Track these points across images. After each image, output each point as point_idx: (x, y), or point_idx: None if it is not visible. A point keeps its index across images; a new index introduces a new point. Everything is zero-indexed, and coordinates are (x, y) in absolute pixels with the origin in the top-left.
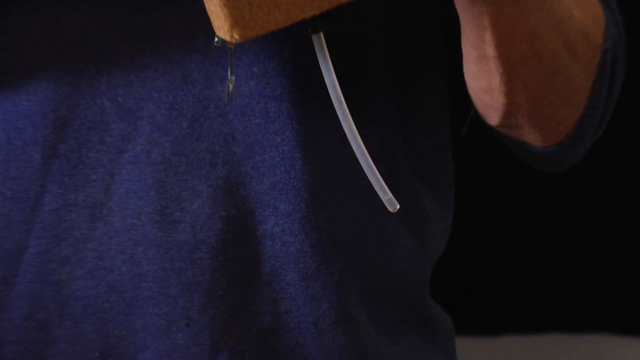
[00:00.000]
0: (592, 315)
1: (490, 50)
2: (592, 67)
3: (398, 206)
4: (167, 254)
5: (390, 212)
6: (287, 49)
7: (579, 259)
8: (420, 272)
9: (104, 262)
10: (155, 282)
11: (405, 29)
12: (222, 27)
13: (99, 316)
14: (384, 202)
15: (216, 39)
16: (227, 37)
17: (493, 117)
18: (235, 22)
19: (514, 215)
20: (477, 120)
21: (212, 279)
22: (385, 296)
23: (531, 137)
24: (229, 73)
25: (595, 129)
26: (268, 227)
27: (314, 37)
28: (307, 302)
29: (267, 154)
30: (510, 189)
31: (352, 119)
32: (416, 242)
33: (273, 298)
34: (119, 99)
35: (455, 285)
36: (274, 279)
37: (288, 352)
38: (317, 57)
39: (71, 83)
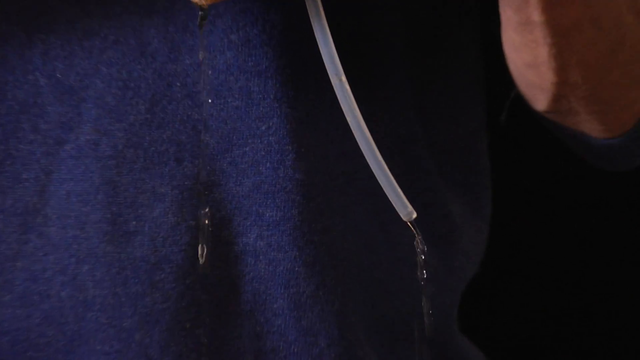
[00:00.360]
0: None
1: (536, 14)
2: None
3: (415, 214)
4: (120, 274)
5: (405, 221)
6: (273, 12)
7: None
8: (447, 300)
9: (37, 285)
10: (104, 312)
11: None
12: None
13: (31, 355)
14: (397, 210)
15: None
16: None
17: (540, 100)
18: None
19: (569, 227)
20: (520, 104)
21: (178, 307)
22: (400, 331)
23: (589, 126)
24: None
25: None
26: (250, 241)
27: None
28: (300, 338)
29: (248, 145)
30: (565, 193)
31: (357, 102)
32: (441, 260)
33: (256, 332)
34: (58, 75)
35: (491, 316)
36: (258, 307)
37: None
38: (311, 21)
39: None
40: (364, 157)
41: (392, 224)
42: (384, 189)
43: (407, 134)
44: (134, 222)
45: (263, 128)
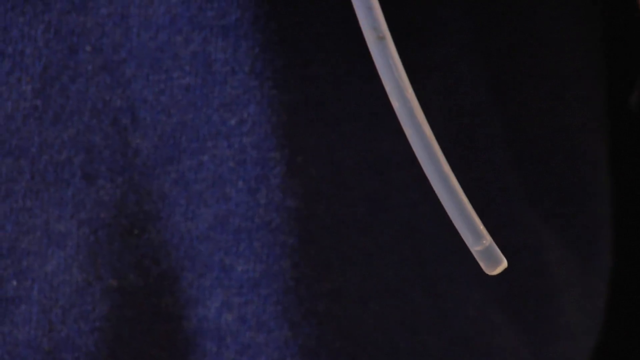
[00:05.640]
0: None
1: None
2: None
3: (505, 263)
4: None
5: (474, 281)
6: None
7: None
8: None
9: None
10: None
11: None
12: None
13: None
14: (475, 256)
15: None
16: None
17: None
18: None
19: None
20: None
21: None
22: None
23: None
24: None
25: None
26: (210, 313)
27: None
28: None
29: (207, 153)
30: None
31: (403, 74)
32: (529, 343)
33: None
34: None
35: None
36: None
37: None
38: None
39: None
40: (400, 172)
41: (446, 281)
42: (454, 220)
43: (477, 115)
44: (13, 283)
45: (232, 122)
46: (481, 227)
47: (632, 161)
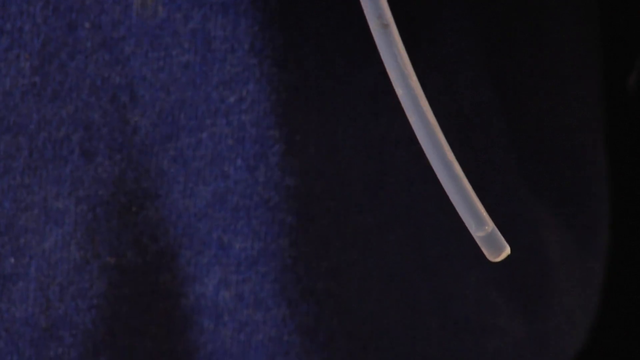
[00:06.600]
0: None
1: None
2: None
3: (508, 250)
4: None
5: (473, 262)
6: None
7: None
8: None
9: None
10: None
11: None
12: None
13: None
14: (478, 242)
15: None
16: None
17: None
18: None
19: None
20: None
21: None
22: None
23: None
24: None
25: None
26: (208, 290)
27: None
28: None
29: (205, 130)
30: None
31: (406, 61)
32: (526, 323)
33: None
34: None
35: None
36: None
37: None
38: None
39: None
40: (399, 150)
41: (445, 262)
42: (457, 207)
43: (477, 115)
44: (11, 260)
45: (231, 100)
46: (484, 213)
47: (630, 148)
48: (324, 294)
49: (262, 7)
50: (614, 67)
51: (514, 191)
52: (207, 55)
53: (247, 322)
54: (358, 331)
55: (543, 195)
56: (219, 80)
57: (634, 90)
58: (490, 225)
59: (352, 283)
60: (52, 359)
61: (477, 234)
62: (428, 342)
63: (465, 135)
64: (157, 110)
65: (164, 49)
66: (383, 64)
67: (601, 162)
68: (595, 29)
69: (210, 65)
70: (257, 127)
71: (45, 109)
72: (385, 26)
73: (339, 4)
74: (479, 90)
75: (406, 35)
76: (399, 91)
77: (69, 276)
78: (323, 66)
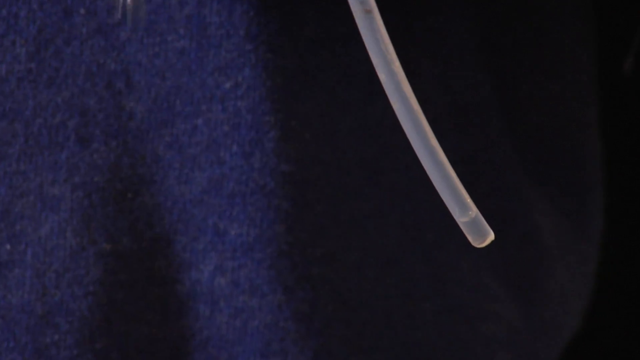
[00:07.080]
0: None
1: None
2: None
3: (492, 236)
4: None
5: (468, 247)
6: None
7: None
8: None
9: None
10: None
11: None
12: None
13: None
14: (462, 227)
15: None
16: None
17: None
18: None
19: None
20: None
21: None
22: None
23: None
24: None
25: None
26: (204, 277)
27: None
28: None
29: (201, 116)
30: None
31: (396, 50)
32: (522, 308)
33: None
34: None
35: None
36: None
37: None
38: None
39: None
40: (395, 135)
41: (441, 247)
42: (441, 193)
43: (470, 102)
44: (7, 247)
45: (227, 86)
46: (468, 198)
47: (625, 133)
48: (319, 280)
49: None
50: (612, 67)
51: (509, 179)
52: (202, 41)
53: (243, 309)
54: (354, 317)
55: (538, 181)
56: (214, 66)
57: (629, 75)
58: (474, 210)
59: (347, 269)
60: (48, 345)
61: (461, 220)
62: (424, 328)
63: (465, 133)
64: (152, 96)
65: (160, 35)
66: None
67: (595, 150)
68: (594, 28)
69: (205, 51)
70: (253, 113)
71: (40, 95)
72: (368, 12)
73: None
74: (479, 89)
75: (406, 35)
76: (382, 76)
77: (65, 263)
78: (319, 52)
